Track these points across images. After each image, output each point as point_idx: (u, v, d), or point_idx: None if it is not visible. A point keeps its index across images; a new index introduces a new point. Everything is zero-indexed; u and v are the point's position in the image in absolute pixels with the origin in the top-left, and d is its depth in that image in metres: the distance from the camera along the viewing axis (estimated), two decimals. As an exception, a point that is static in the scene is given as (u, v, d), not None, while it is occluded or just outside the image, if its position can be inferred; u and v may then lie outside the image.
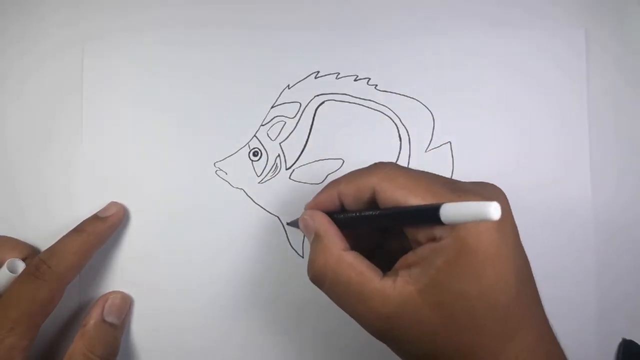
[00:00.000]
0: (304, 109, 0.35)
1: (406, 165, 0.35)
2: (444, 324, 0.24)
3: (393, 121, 0.35)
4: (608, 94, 0.35)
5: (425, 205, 0.24)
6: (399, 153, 0.35)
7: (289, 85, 0.35)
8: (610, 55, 0.35)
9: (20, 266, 0.32)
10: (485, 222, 0.22)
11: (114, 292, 0.35)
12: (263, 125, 0.36)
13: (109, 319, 0.34)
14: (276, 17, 0.36)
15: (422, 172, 0.26)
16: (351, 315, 0.26)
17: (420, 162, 0.35)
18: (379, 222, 0.26)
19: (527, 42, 0.35)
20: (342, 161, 0.35)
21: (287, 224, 0.35)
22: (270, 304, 0.35)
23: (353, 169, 0.35)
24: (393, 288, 0.24)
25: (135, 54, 0.36)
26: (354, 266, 0.25)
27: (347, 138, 0.35)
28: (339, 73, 0.35)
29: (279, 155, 0.35)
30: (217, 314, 0.35)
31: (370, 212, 0.26)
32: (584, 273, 0.35)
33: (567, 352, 0.26)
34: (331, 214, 0.28)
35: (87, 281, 0.35)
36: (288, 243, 0.35)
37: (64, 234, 0.33)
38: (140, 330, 0.35)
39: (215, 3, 0.36)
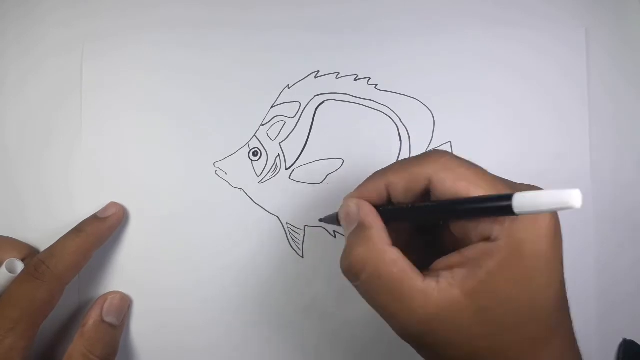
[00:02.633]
0: (304, 108, 0.35)
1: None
2: (486, 329, 0.23)
3: (393, 121, 0.35)
4: (608, 94, 0.35)
5: (497, 194, 0.22)
6: (399, 153, 0.35)
7: (288, 85, 0.35)
8: (610, 55, 0.35)
9: (20, 266, 0.32)
10: (547, 224, 0.22)
11: (113, 292, 0.35)
12: (263, 125, 0.36)
13: (108, 319, 0.33)
14: (276, 17, 0.36)
15: (479, 166, 0.25)
16: (383, 314, 0.25)
17: (420, 162, 0.35)
18: (437, 214, 0.24)
19: (528, 42, 0.35)
20: (342, 161, 0.35)
21: (320, 220, 0.32)
22: (270, 304, 0.35)
23: (353, 169, 0.35)
24: (437, 290, 0.23)
25: (135, 54, 0.36)
26: (397, 263, 0.24)
27: (347, 138, 0.35)
28: (339, 73, 0.35)
29: (278, 155, 0.35)
30: (216, 314, 0.35)
31: (429, 204, 0.24)
32: (584, 273, 0.35)
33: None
34: (376, 206, 0.26)
35: (87, 281, 0.35)
36: (288, 243, 0.35)
37: (64, 234, 0.33)
38: (139, 330, 0.35)
39: (214, 4, 0.36)
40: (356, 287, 0.26)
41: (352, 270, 0.25)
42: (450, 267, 0.23)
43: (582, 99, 0.35)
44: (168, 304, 0.35)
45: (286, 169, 0.35)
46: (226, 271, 0.35)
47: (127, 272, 0.35)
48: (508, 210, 0.21)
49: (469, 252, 0.23)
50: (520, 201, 0.20)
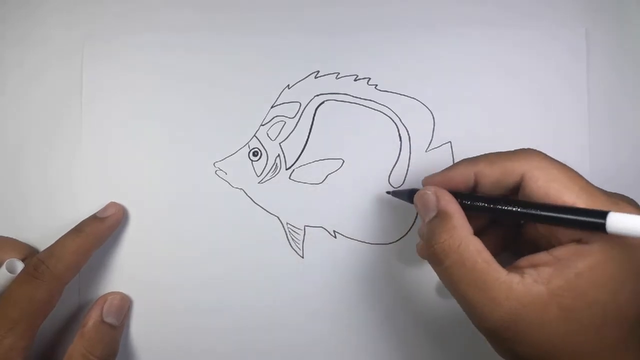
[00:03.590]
0: (304, 108, 0.35)
1: (407, 166, 0.35)
2: (568, 329, 0.23)
3: (393, 121, 0.35)
4: (608, 94, 0.35)
5: (591, 209, 0.23)
6: (399, 153, 0.35)
7: (288, 85, 0.35)
8: (610, 55, 0.35)
9: (19, 266, 0.32)
10: None
11: (113, 292, 0.35)
12: (263, 125, 0.36)
13: (108, 319, 0.33)
14: (277, 18, 0.36)
15: (572, 169, 0.25)
16: (464, 304, 0.25)
17: (420, 162, 0.35)
18: (524, 218, 0.24)
19: (527, 42, 0.35)
20: (342, 161, 0.35)
21: (389, 192, 0.32)
22: (269, 304, 0.35)
23: (353, 169, 0.35)
24: (521, 284, 0.23)
25: (135, 56, 0.36)
26: (481, 253, 0.24)
27: (347, 138, 0.35)
28: (339, 73, 0.35)
29: (278, 155, 0.35)
30: (216, 314, 0.35)
31: (517, 209, 0.24)
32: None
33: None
34: (457, 195, 0.26)
35: (87, 282, 0.35)
36: (288, 243, 0.35)
37: (63, 234, 0.33)
38: (139, 330, 0.35)
39: (214, 7, 0.36)
40: (438, 272, 0.26)
41: (436, 257, 0.25)
42: (535, 265, 0.24)
43: (582, 98, 0.35)
44: (168, 304, 0.35)
45: (286, 169, 0.35)
46: (226, 271, 0.35)
47: (127, 272, 0.35)
48: (600, 228, 0.21)
49: (558, 252, 0.23)
50: (615, 222, 0.21)
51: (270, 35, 0.36)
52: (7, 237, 0.35)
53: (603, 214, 0.21)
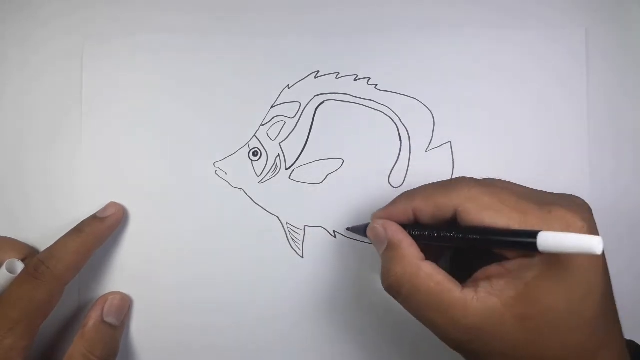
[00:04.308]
0: (304, 108, 0.35)
1: (407, 166, 0.35)
2: (528, 338, 0.24)
3: (393, 121, 0.35)
4: (608, 94, 0.35)
5: (522, 230, 0.23)
6: (399, 153, 0.35)
7: (288, 85, 0.35)
8: (610, 55, 0.35)
9: (19, 267, 0.32)
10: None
11: (113, 292, 0.35)
12: (263, 125, 0.36)
13: (109, 319, 0.33)
14: (277, 18, 0.36)
15: (504, 185, 0.26)
16: (428, 326, 0.26)
17: (420, 162, 0.35)
18: (463, 244, 0.25)
19: (527, 42, 0.35)
20: (342, 161, 0.35)
21: (347, 229, 0.34)
22: (269, 304, 0.35)
23: (353, 169, 0.35)
24: (475, 299, 0.24)
25: (135, 55, 0.36)
26: (433, 276, 0.25)
27: (347, 138, 0.35)
28: (339, 73, 0.35)
29: (278, 155, 0.35)
30: (216, 314, 0.35)
31: (454, 234, 0.25)
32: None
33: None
34: (405, 228, 0.27)
35: (87, 282, 0.35)
36: (288, 243, 0.35)
37: (63, 234, 0.33)
38: (139, 330, 0.35)
39: (214, 7, 0.36)
40: (400, 302, 0.27)
41: (392, 289, 0.26)
42: (488, 278, 0.24)
43: (582, 98, 0.35)
44: (168, 304, 0.35)
45: (286, 169, 0.35)
46: (226, 271, 0.35)
47: (127, 272, 0.35)
48: (533, 248, 0.22)
49: (508, 265, 0.24)
50: (545, 242, 0.22)
51: (270, 35, 0.36)
52: (7, 237, 0.35)
53: (534, 234, 0.22)
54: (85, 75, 0.36)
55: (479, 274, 0.25)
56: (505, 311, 0.23)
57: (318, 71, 0.35)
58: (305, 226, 0.35)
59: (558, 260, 0.23)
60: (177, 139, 0.36)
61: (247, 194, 0.35)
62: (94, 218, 0.34)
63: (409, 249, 0.26)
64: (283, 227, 0.35)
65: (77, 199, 0.36)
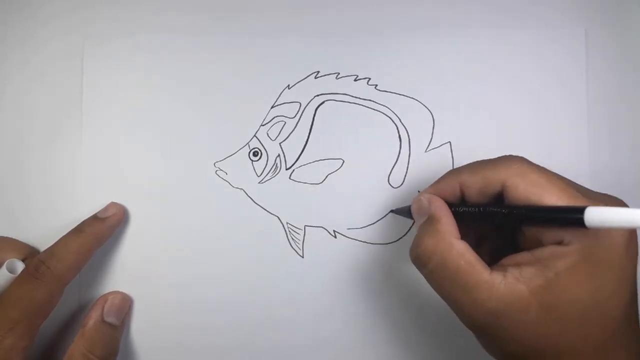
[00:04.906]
0: (304, 109, 0.35)
1: (407, 166, 0.35)
2: (550, 327, 0.24)
3: (393, 121, 0.35)
4: (607, 95, 0.35)
5: (570, 206, 0.23)
6: (399, 153, 0.35)
7: (289, 85, 0.35)
8: (610, 55, 0.35)
9: (20, 267, 0.32)
10: (622, 233, 0.23)
11: (113, 292, 0.35)
12: (263, 125, 0.36)
13: (109, 319, 0.34)
14: (277, 18, 0.36)
15: (551, 171, 0.26)
16: (450, 303, 0.26)
17: (420, 162, 0.35)
18: (508, 220, 0.25)
19: (527, 42, 0.35)
20: (342, 161, 0.35)
21: (392, 211, 0.34)
22: (269, 304, 0.35)
23: (353, 169, 0.35)
24: (502, 284, 0.24)
25: (135, 56, 0.36)
26: (464, 255, 0.25)
27: (347, 138, 0.35)
28: (339, 73, 0.35)
29: (279, 155, 0.35)
30: (216, 314, 0.35)
31: (499, 209, 0.25)
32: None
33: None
34: (451, 207, 0.27)
35: (87, 281, 0.35)
36: (288, 243, 0.35)
37: (63, 234, 0.33)
38: (139, 330, 0.35)
39: (215, 8, 0.36)
40: (424, 275, 0.27)
41: (420, 260, 0.26)
42: (518, 265, 0.24)
43: (581, 99, 0.35)
44: (168, 304, 0.35)
45: (286, 169, 0.35)
46: (226, 271, 0.35)
47: (127, 272, 0.35)
48: (579, 223, 0.22)
49: (539, 252, 0.24)
50: (592, 216, 0.21)
51: (270, 35, 0.36)
52: (7, 237, 0.35)
53: (581, 210, 0.22)
54: (85, 75, 0.36)
55: (507, 260, 0.25)
56: (531, 299, 0.23)
57: (318, 71, 0.35)
58: (305, 226, 0.35)
59: (593, 253, 0.23)
60: (177, 139, 0.36)
61: (247, 194, 0.35)
62: (94, 218, 0.34)
63: (447, 226, 0.26)
64: (283, 227, 0.35)
65: (77, 199, 0.36)
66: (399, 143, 0.35)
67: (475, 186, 0.26)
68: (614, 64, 0.35)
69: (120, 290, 0.35)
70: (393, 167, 0.35)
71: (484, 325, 0.25)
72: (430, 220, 0.27)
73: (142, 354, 0.35)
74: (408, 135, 0.35)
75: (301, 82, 0.35)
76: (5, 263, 0.32)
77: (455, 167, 0.35)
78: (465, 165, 0.27)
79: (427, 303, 0.35)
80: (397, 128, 0.35)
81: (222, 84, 0.36)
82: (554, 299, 0.23)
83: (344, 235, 0.35)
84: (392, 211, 0.34)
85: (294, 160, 0.35)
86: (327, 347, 0.35)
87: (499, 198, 0.26)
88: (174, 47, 0.36)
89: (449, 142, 0.35)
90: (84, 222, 0.34)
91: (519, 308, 0.24)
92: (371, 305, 0.35)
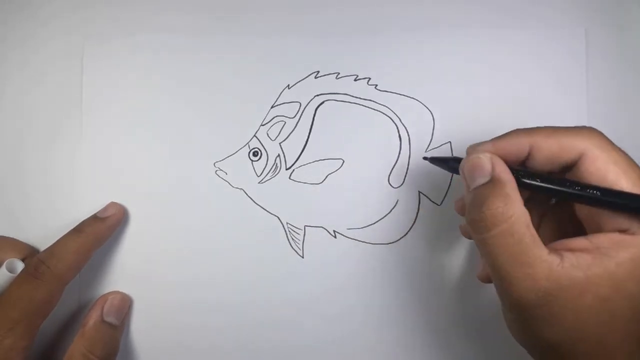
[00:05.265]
0: (304, 108, 0.35)
1: (407, 166, 0.35)
2: (602, 319, 0.23)
3: (393, 121, 0.35)
4: (607, 95, 0.35)
5: None
6: (399, 153, 0.35)
7: (289, 85, 0.35)
8: (610, 55, 0.35)
9: (19, 266, 0.32)
10: None
11: (113, 292, 0.35)
12: (263, 125, 0.36)
13: (109, 319, 0.33)
14: (277, 18, 0.36)
15: (630, 157, 0.24)
16: (500, 276, 0.24)
17: (420, 162, 0.35)
18: (575, 199, 0.24)
19: (527, 42, 0.35)
20: (342, 161, 0.35)
21: (426, 158, 0.30)
22: (269, 304, 0.35)
23: (353, 169, 0.35)
24: (561, 267, 0.23)
25: (135, 54, 0.36)
26: (529, 228, 0.23)
27: (347, 138, 0.35)
28: (339, 73, 0.35)
29: (279, 155, 0.35)
30: (216, 314, 0.35)
31: (569, 185, 0.24)
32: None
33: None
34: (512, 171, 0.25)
35: (87, 281, 0.35)
36: (288, 243, 0.35)
37: (63, 234, 0.33)
38: (139, 330, 0.35)
39: (215, 7, 0.36)
40: (480, 240, 0.24)
41: (485, 222, 0.24)
42: (572, 250, 0.23)
43: (581, 99, 0.35)
44: (168, 304, 0.35)
45: (286, 169, 0.35)
46: (226, 271, 0.35)
47: (127, 272, 0.35)
48: None
49: (599, 240, 0.23)
50: None
51: (271, 35, 0.36)
52: (7, 237, 0.35)
53: None
54: (85, 75, 0.36)
55: (559, 244, 0.24)
56: (588, 288, 0.22)
57: (318, 71, 0.35)
58: (305, 226, 0.35)
59: None
60: (177, 139, 0.36)
61: (247, 194, 0.35)
62: (94, 218, 0.34)
63: (515, 192, 0.24)
64: (283, 227, 0.35)
65: (77, 199, 0.36)
66: (399, 143, 0.35)
67: (547, 151, 0.24)
68: (614, 64, 0.35)
69: (120, 290, 0.35)
70: (393, 167, 0.35)
71: (534, 305, 0.23)
72: (497, 183, 0.24)
73: (142, 354, 0.35)
74: (408, 135, 0.35)
75: (301, 82, 0.35)
76: (5, 263, 0.32)
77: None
78: (536, 127, 0.25)
79: (427, 303, 0.35)
80: (397, 128, 0.35)
81: (222, 84, 0.36)
82: (611, 290, 0.22)
83: (344, 235, 0.35)
84: (425, 158, 0.30)
85: (294, 160, 0.35)
86: (327, 347, 0.35)
87: (566, 169, 0.24)
88: (174, 47, 0.36)
89: (449, 142, 0.35)
90: (83, 222, 0.34)
91: (574, 294, 0.22)
92: (371, 305, 0.35)
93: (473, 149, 0.27)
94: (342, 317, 0.35)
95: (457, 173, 0.27)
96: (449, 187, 0.35)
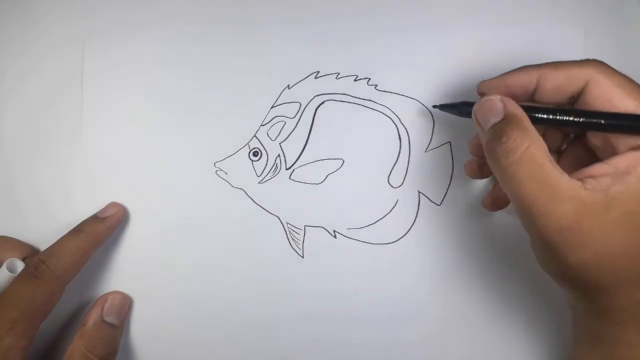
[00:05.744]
0: (304, 109, 0.35)
1: (406, 166, 0.35)
2: (630, 233, 0.23)
3: (393, 121, 0.35)
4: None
5: None
6: (399, 153, 0.35)
7: (289, 85, 0.36)
8: (610, 55, 0.35)
9: (20, 266, 0.32)
10: None
11: (113, 292, 0.35)
12: (263, 125, 0.36)
13: (109, 319, 0.33)
14: (277, 18, 0.36)
15: (634, 81, 0.25)
16: (526, 202, 0.24)
17: (420, 162, 0.35)
18: (588, 127, 0.24)
19: (527, 42, 0.35)
20: (342, 161, 0.35)
21: (436, 106, 0.31)
22: (269, 304, 0.35)
23: (353, 169, 0.35)
24: (583, 188, 0.23)
25: (135, 53, 0.36)
26: (549, 155, 0.24)
27: (347, 138, 0.35)
28: (339, 73, 0.35)
29: (279, 155, 0.35)
30: (216, 313, 0.35)
31: (574, 117, 0.24)
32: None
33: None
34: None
35: (87, 281, 0.35)
36: (288, 243, 0.35)
37: (63, 234, 0.33)
38: (139, 330, 0.35)
39: (215, 4, 0.36)
40: (501, 169, 0.25)
41: (504, 151, 0.24)
42: (593, 176, 0.24)
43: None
44: (168, 303, 0.35)
45: (286, 169, 0.36)
46: (226, 271, 0.35)
47: (127, 271, 0.35)
48: None
49: (616, 161, 0.24)
50: None
51: (271, 35, 0.36)
52: (7, 237, 0.35)
53: None
54: (85, 75, 0.36)
55: (580, 173, 0.24)
56: (612, 204, 0.23)
57: (318, 71, 0.36)
58: (305, 226, 0.35)
59: None
60: (177, 139, 0.36)
61: (247, 194, 0.35)
62: (94, 218, 0.34)
63: (531, 125, 0.25)
64: (283, 227, 0.35)
65: (77, 199, 0.36)
66: (399, 143, 0.35)
67: (554, 82, 0.25)
68: (614, 64, 0.35)
69: (120, 290, 0.35)
70: (393, 167, 0.35)
71: (558, 229, 0.23)
72: (512, 118, 0.25)
73: (142, 354, 0.35)
74: (408, 135, 0.35)
75: (301, 82, 0.35)
76: (6, 262, 0.32)
77: (455, 167, 0.35)
78: (544, 63, 0.26)
79: (427, 303, 0.35)
80: (397, 128, 0.35)
81: (222, 84, 0.36)
82: (635, 204, 0.23)
83: (344, 235, 0.35)
84: (435, 106, 0.31)
85: (294, 160, 0.35)
86: (327, 347, 0.35)
87: (574, 99, 0.25)
88: (174, 47, 0.36)
89: (449, 142, 0.35)
90: (83, 222, 0.34)
91: (600, 212, 0.23)
92: (371, 305, 0.35)
93: (483, 85, 0.28)
94: (342, 317, 0.35)
95: (469, 117, 0.28)
96: (449, 187, 0.35)
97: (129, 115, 0.36)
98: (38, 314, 0.31)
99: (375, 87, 0.35)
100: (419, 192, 0.35)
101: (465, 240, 0.35)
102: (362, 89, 0.35)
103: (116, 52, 0.36)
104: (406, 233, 0.35)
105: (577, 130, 0.28)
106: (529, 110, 0.26)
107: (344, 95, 0.35)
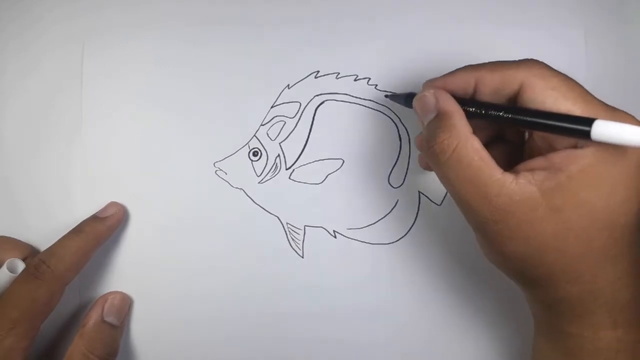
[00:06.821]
0: (304, 108, 0.35)
1: (407, 166, 0.35)
2: (557, 229, 0.24)
3: (393, 121, 0.35)
4: (606, 95, 0.35)
5: (577, 116, 0.23)
6: (399, 153, 0.35)
7: (288, 85, 0.35)
8: (610, 55, 0.35)
9: (20, 266, 0.32)
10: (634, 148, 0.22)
11: (113, 292, 0.35)
12: (263, 125, 0.36)
13: (109, 319, 0.34)
14: (277, 18, 0.36)
15: (572, 78, 0.25)
16: (458, 199, 0.25)
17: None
18: (518, 123, 0.25)
19: (527, 42, 0.35)
20: (342, 161, 0.35)
21: (387, 96, 0.33)
22: (269, 304, 0.35)
23: (353, 169, 0.35)
24: (514, 183, 0.24)
25: (135, 53, 0.36)
26: (479, 152, 0.25)
27: (347, 138, 0.35)
28: (339, 73, 0.35)
29: (278, 155, 0.35)
30: (216, 314, 0.35)
31: (503, 113, 0.25)
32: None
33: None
34: (459, 102, 0.26)
35: (87, 281, 0.35)
36: (288, 243, 0.35)
37: (64, 234, 0.33)
38: (139, 330, 0.35)
39: (215, 4, 0.36)
40: (436, 171, 0.26)
41: (435, 155, 0.26)
42: (531, 169, 0.24)
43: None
44: (168, 303, 0.35)
45: (286, 169, 0.36)
46: (226, 271, 0.35)
47: (127, 272, 0.35)
48: (585, 134, 0.21)
49: (553, 157, 0.24)
50: (599, 129, 0.21)
51: (271, 35, 0.36)
52: (8, 237, 0.35)
53: (589, 121, 0.21)
54: (84, 75, 0.36)
55: (520, 166, 0.25)
56: (541, 200, 0.23)
57: (318, 71, 0.35)
58: (305, 226, 0.35)
59: (608, 157, 0.23)
60: (177, 139, 0.36)
61: (247, 194, 0.35)
62: (94, 218, 0.34)
63: (461, 121, 0.25)
64: (283, 227, 0.35)
65: (77, 199, 0.36)
66: (399, 143, 0.35)
67: (491, 84, 0.26)
68: (614, 64, 0.35)
69: (120, 290, 0.35)
70: (393, 167, 0.35)
71: (490, 222, 0.24)
72: (442, 116, 0.26)
73: (142, 354, 0.35)
74: (408, 135, 0.35)
75: (301, 82, 0.35)
76: (6, 262, 0.32)
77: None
78: (483, 63, 0.27)
79: (427, 303, 0.35)
80: (397, 128, 0.35)
81: (221, 84, 0.36)
82: (564, 200, 0.23)
83: (344, 235, 0.35)
84: (387, 96, 0.33)
85: (294, 160, 0.35)
86: (327, 347, 0.35)
87: (514, 100, 0.25)
88: (174, 47, 0.36)
89: (449, 142, 0.35)
90: (83, 222, 0.34)
91: (528, 207, 0.24)
92: (371, 305, 0.35)
93: (427, 85, 0.28)
94: (342, 316, 0.35)
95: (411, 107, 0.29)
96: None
97: (128, 115, 0.36)
98: (39, 314, 0.31)
99: (375, 87, 0.35)
100: (419, 192, 0.35)
101: (465, 240, 0.35)
102: (362, 89, 0.35)
103: (116, 52, 0.36)
104: (406, 233, 0.35)
105: (512, 125, 0.28)
106: (463, 103, 0.26)
107: (344, 95, 0.35)
